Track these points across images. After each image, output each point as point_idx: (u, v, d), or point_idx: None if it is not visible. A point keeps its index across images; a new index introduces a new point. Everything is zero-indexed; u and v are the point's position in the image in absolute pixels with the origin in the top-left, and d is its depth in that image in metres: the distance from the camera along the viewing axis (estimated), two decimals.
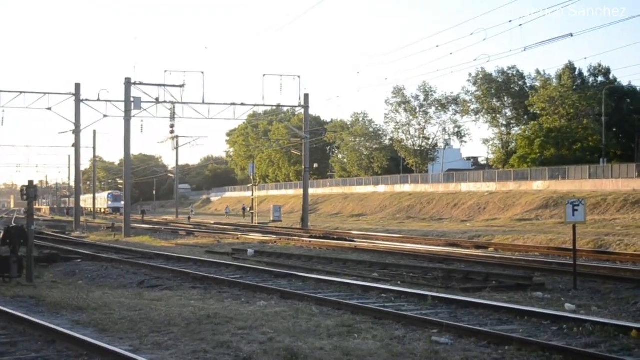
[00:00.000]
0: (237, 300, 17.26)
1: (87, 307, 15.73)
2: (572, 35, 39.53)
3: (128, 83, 49.09)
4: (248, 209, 74.98)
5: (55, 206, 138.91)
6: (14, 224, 30.17)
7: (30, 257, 21.35)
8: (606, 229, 43.02)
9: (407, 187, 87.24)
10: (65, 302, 16.63)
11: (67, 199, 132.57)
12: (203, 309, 15.28)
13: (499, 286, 19.04)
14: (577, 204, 19.32)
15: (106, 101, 52.29)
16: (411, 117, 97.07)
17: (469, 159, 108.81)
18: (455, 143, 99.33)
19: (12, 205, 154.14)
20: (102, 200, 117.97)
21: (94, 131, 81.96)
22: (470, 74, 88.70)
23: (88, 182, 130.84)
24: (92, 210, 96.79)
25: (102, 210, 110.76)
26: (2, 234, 22.47)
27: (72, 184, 70.47)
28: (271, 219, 68.27)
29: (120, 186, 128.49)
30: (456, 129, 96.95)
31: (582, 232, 32.25)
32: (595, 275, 20.80)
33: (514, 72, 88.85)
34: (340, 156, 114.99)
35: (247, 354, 10.85)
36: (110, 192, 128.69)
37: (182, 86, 49.56)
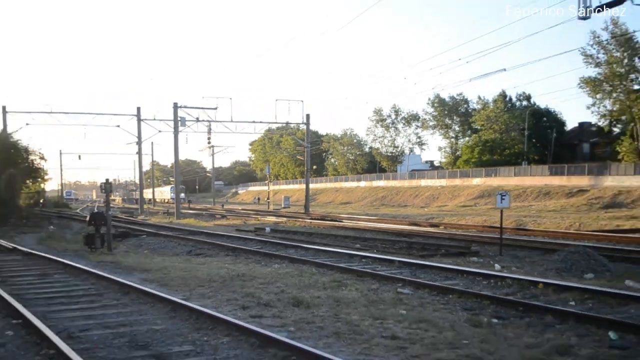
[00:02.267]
0: (258, 263, 17.54)
1: (151, 269, 16.08)
2: (505, 70, 40.12)
3: (176, 106, 49.35)
4: (265, 198, 74.83)
5: (125, 197, 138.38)
6: (96, 211, 30.43)
7: (109, 233, 21.72)
8: (525, 212, 43.29)
9: (382, 183, 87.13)
10: (136, 265, 16.99)
11: (134, 192, 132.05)
12: (234, 270, 15.59)
13: (446, 253, 19.38)
14: (504, 194, 19.58)
15: (160, 120, 52.53)
16: (385, 131, 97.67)
17: (427, 162, 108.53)
18: (417, 150, 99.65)
19: (94, 197, 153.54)
20: (166, 192, 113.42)
21: (152, 142, 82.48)
22: (428, 98, 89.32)
23: (148, 180, 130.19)
24: (152, 200, 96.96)
25: (166, 200, 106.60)
26: (88, 218, 22.79)
27: (137, 181, 70.59)
28: (282, 206, 68.25)
29: (173, 183, 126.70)
30: (418, 140, 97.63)
31: (507, 215, 32.52)
32: (515, 246, 21.05)
33: (461, 98, 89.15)
34: (332, 160, 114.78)
35: (266, 301, 11.16)
36: (172, 185, 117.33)
37: (215, 109, 49.75)
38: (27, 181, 45.25)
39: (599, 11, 13.66)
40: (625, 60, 59.16)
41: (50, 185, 71.36)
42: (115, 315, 10.24)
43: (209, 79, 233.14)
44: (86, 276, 14.72)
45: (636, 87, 59.59)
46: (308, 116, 55.29)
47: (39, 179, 48.96)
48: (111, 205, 22.82)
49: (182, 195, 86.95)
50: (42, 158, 45.13)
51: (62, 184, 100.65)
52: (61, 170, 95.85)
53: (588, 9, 13.28)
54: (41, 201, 55.70)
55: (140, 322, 9.67)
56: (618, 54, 59.16)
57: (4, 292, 11.87)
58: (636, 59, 59.02)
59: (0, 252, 21.49)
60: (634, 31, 56.57)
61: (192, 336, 8.65)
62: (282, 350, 7.62)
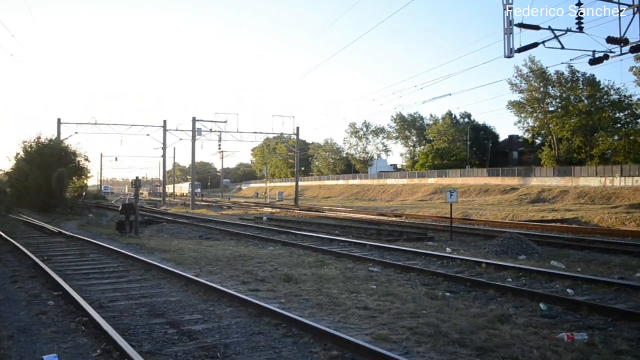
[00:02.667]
0: (256, 246, 17.21)
1: (169, 250, 15.70)
2: (450, 94, 40.22)
3: (194, 120, 49.30)
4: (263, 193, 74.52)
5: (151, 191, 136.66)
6: (127, 202, 30.05)
7: (136, 220, 21.25)
8: (469, 205, 43.32)
9: (356, 181, 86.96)
10: (157, 247, 16.58)
11: (158, 187, 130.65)
12: (236, 251, 15.27)
13: (408, 238, 19.20)
14: (453, 191, 19.50)
15: (181, 130, 52.10)
16: (358, 140, 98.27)
17: (391, 165, 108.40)
18: (383, 155, 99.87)
19: (126, 191, 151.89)
20: (185, 188, 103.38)
21: (174, 148, 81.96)
22: (392, 115, 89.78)
23: (170, 177, 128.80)
24: (173, 194, 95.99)
25: (185, 194, 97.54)
26: (120, 207, 22.48)
27: (161, 178, 70.03)
28: (277, 199, 68.00)
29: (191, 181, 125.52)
30: (384, 148, 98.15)
31: (455, 208, 32.27)
32: (462, 232, 20.99)
33: (417, 115, 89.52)
34: (316, 163, 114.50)
35: (262, 277, 10.89)
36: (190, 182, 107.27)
37: (225, 122, 49.63)
38: (74, 178, 44.87)
39: (519, 52, 14.06)
40: (541, 89, 60.96)
41: (92, 181, 70.68)
42: (139, 288, 9.92)
43: (221, 97, 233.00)
44: (116, 256, 14.33)
45: (551, 108, 61.31)
46: (298, 128, 55.29)
47: (83, 176, 48.48)
48: (139, 197, 22.44)
49: (199, 190, 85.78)
50: (86, 159, 45.09)
51: (101, 180, 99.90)
52: (101, 169, 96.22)
53: (512, 50, 13.67)
54: (84, 194, 55.00)
55: (158, 294, 9.36)
56: (535, 84, 61.04)
57: (48, 269, 11.52)
58: (549, 88, 60.78)
59: (48, 235, 21.07)
60: (547, 67, 58.92)
61: (201, 306, 8.37)
62: (274, 319, 7.37)
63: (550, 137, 61.93)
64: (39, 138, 42.12)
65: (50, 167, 38.81)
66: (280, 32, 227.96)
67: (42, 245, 17.29)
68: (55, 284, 10.00)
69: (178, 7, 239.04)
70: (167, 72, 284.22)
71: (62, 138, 45.74)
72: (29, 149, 41.46)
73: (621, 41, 14.43)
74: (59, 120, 47.27)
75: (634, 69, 49.87)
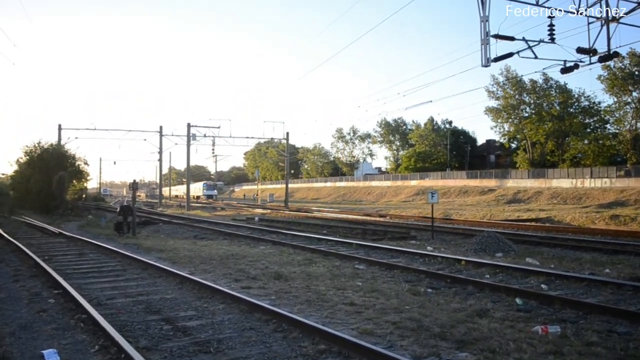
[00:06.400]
0: (248, 245, 17.12)
1: (165, 249, 15.59)
2: (431, 101, 40.35)
3: (189, 125, 49.01)
4: (254, 195, 73.97)
5: (148, 194, 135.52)
6: (125, 203, 29.79)
7: (134, 221, 21.13)
8: (449, 206, 43.37)
9: (343, 184, 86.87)
10: (153, 246, 16.46)
11: (155, 190, 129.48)
12: (229, 250, 15.20)
13: (392, 237, 19.13)
14: (434, 192, 19.53)
15: (176, 135, 51.88)
16: (345, 145, 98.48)
17: (376, 168, 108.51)
18: (368, 159, 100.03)
19: (124, 193, 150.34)
20: (197, 189, 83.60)
21: (170, 152, 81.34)
22: (377, 121, 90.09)
23: (166, 180, 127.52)
24: (169, 196, 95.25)
25: (197, 197, 79.91)
26: (118, 209, 22.33)
27: (158, 181, 69.52)
28: (268, 201, 67.64)
29: (193, 182, 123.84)
30: (369, 152, 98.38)
31: (436, 208, 32.42)
32: (443, 232, 20.97)
33: (400, 121, 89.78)
34: (305, 166, 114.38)
35: (253, 275, 10.84)
36: (205, 182, 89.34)
37: (218, 127, 49.55)
38: (74, 181, 44.60)
39: (495, 61, 14.09)
40: (517, 96, 61.37)
41: (91, 184, 70.14)
42: (136, 286, 9.83)
43: (215, 103, 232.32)
44: (114, 255, 14.21)
45: (525, 114, 61.67)
46: (287, 133, 55.31)
47: (83, 179, 48.22)
48: (136, 199, 22.27)
49: (215, 192, 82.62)
50: (85, 163, 44.98)
51: (100, 183, 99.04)
52: (100, 172, 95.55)
53: (488, 59, 13.69)
54: (83, 196, 54.61)
55: (155, 292, 9.28)
56: (511, 91, 61.46)
57: (49, 268, 11.42)
58: (524, 95, 61.22)
59: (49, 236, 20.85)
60: (521, 75, 59.39)
61: (195, 304, 8.30)
62: (265, 315, 7.34)
63: (525, 141, 62.39)
64: (39, 143, 41.89)
65: (51, 170, 38.53)
66: (271, 42, 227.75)
67: (43, 245, 17.11)
68: (56, 283, 9.90)
69: (175, 9, 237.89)
70: (164, 75, 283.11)
71: (62, 143, 45.46)
72: (31, 154, 41.15)
73: (590, 51, 14.55)
74: (59, 126, 47.02)
75: (602, 77, 50.46)
